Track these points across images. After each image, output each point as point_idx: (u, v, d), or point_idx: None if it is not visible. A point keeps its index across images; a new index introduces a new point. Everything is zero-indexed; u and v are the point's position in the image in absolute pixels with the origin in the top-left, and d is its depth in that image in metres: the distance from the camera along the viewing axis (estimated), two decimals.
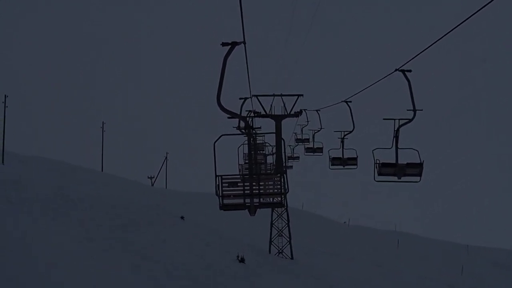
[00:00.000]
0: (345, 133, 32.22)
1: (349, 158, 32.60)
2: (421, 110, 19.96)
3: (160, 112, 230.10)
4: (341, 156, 32.47)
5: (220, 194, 15.41)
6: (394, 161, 20.70)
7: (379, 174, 21.01)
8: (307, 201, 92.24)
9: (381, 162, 20.86)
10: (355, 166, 32.83)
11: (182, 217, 36.95)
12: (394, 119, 20.50)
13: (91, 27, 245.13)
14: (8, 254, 14.44)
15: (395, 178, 21.05)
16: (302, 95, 36.73)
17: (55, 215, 24.26)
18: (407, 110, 19.89)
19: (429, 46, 13.58)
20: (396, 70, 18.27)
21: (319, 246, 53.41)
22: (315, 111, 40.36)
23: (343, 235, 68.95)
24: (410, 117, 19.79)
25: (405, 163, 20.74)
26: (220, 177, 15.33)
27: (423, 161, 20.64)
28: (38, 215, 23.19)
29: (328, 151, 32.75)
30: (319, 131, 43.64)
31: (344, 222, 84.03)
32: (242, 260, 28.84)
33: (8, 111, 48.60)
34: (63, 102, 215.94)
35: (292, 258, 38.44)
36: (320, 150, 45.61)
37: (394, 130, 20.53)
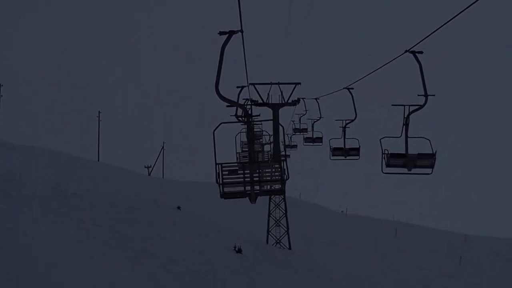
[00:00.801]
0: (347, 121, 31.20)
1: (351, 149, 31.43)
2: (433, 95, 18.44)
3: (157, 101, 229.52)
4: (343, 146, 31.37)
5: (221, 182, 15.35)
6: (403, 151, 19.29)
7: (388, 166, 19.70)
8: (304, 190, 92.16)
9: (389, 152, 19.49)
10: (357, 157, 31.68)
11: (178, 207, 36.55)
12: (404, 105, 19.14)
13: (86, 17, 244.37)
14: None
15: (405, 170, 19.69)
16: (299, 83, 36.29)
17: (48, 208, 23.81)
18: (418, 95, 18.64)
19: (443, 25, 12.92)
20: (406, 51, 17.08)
21: (317, 235, 53.11)
22: (314, 100, 39.34)
23: (341, 225, 68.67)
24: (421, 103, 18.33)
25: (416, 153, 19.28)
26: (220, 165, 15.29)
27: (435, 151, 19.25)
28: (29, 208, 22.74)
29: (329, 140, 31.73)
30: (318, 120, 42.60)
31: (342, 211, 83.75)
32: (239, 251, 28.43)
33: (4, 101, 48.31)
34: (59, 93, 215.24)
35: (290, 249, 38.10)
36: (319, 140, 44.60)
37: (404, 117, 19.05)
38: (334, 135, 32.05)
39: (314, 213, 71.15)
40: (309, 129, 45.71)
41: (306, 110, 43.78)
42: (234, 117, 33.38)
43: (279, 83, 36.51)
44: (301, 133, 47.45)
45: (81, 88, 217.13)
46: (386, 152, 19.61)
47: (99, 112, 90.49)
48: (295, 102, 36.86)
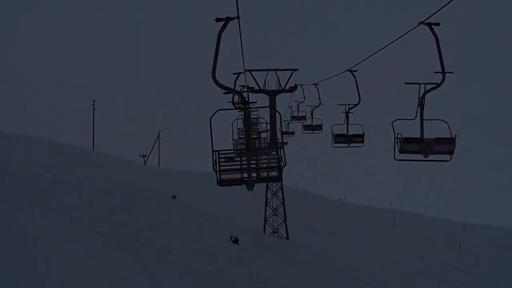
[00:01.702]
0: (350, 106, 29.46)
1: (355, 135, 29.68)
2: (452, 72, 16.63)
3: (152, 90, 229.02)
4: (346, 133, 29.67)
5: (217, 170, 15.22)
6: (418, 136, 17.61)
7: (401, 152, 18.07)
8: (301, 179, 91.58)
9: (403, 137, 17.84)
10: (361, 144, 30.13)
11: (174, 196, 35.85)
12: (419, 84, 17.32)
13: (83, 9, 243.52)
14: None
15: (420, 157, 18.00)
16: (296, 69, 35.31)
17: (40, 197, 23.20)
18: (435, 72, 16.73)
19: None
20: (420, 23, 15.16)
21: (314, 224, 52.52)
22: (313, 85, 37.59)
23: (339, 213, 68.16)
24: (438, 81, 16.65)
25: (433, 138, 17.63)
26: (217, 152, 15.17)
27: (455, 135, 17.68)
28: (21, 196, 22.14)
29: (331, 127, 30.27)
30: (317, 106, 41.09)
31: (339, 200, 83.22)
32: (236, 241, 27.73)
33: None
34: (54, 80, 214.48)
35: (287, 238, 37.47)
36: (319, 127, 43.43)
37: (419, 97, 17.33)
38: (334, 122, 30.69)
39: (312, 202, 70.63)
40: (308, 116, 44.39)
41: (304, 97, 42.58)
42: (231, 103, 32.77)
43: (275, 69, 35.58)
44: (300, 121, 46.24)
45: (76, 76, 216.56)
46: (400, 136, 17.93)
47: (93, 100, 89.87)
48: (292, 89, 35.91)
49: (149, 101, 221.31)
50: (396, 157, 18.39)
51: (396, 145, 18.17)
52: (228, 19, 13.49)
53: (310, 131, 44.11)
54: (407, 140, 17.81)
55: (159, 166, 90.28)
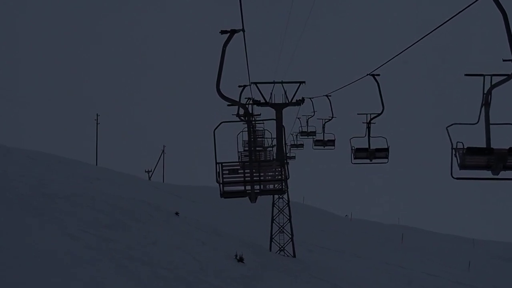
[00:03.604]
0: (372, 115, 26.03)
1: (378, 149, 26.01)
2: None
3: (157, 103, 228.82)
4: (368, 147, 26.03)
5: (221, 181, 15.54)
6: (484, 145, 13.47)
7: (462, 167, 14.35)
8: (308, 194, 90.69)
9: (465, 146, 13.75)
10: (385, 160, 26.33)
11: (176, 213, 34.83)
12: (484, 75, 13.55)
13: (86, 21, 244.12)
14: None
15: (489, 174, 14.21)
16: (304, 82, 33.98)
17: (37, 211, 22.27)
18: (503, 60, 13.11)
19: None
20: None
21: (322, 241, 51.54)
22: (325, 97, 35.29)
23: (346, 230, 67.30)
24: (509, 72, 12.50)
25: (507, 148, 13.43)
26: (220, 164, 15.46)
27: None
28: (18, 211, 21.24)
29: (350, 139, 26.66)
30: (330, 120, 38.20)
31: (346, 216, 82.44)
32: (240, 260, 26.64)
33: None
34: (56, 94, 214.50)
35: (294, 256, 36.34)
36: (331, 143, 40.55)
37: (483, 94, 13.39)
38: (348, 136, 28.27)
39: (318, 218, 69.88)
40: (319, 130, 41.53)
41: (314, 111, 40.66)
42: (236, 116, 31.84)
43: (282, 82, 34.33)
44: (309, 137, 44.07)
45: (78, 90, 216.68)
46: (461, 146, 14.01)
47: (97, 115, 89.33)
48: (299, 102, 34.41)
49: (154, 115, 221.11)
50: (453, 175, 14.36)
51: (454, 157, 14.25)
52: (233, 32, 13.54)
53: (322, 147, 41.33)
54: (471, 151, 13.77)
55: (163, 181, 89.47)
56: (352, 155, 26.56)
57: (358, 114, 27.24)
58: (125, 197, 34.02)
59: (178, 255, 22.92)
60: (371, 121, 26.30)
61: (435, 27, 12.50)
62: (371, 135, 26.33)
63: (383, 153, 26.19)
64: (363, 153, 26.28)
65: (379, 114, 25.61)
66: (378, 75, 23.52)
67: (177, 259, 22.05)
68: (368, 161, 26.50)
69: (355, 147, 26.44)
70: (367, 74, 23.26)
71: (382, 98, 24.19)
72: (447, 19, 11.80)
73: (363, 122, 26.47)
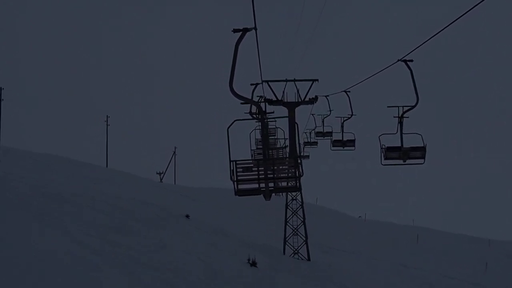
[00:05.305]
0: (405, 108, 22.80)
1: (412, 148, 22.68)
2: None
3: (168, 103, 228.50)
4: (400, 145, 22.64)
5: (235, 179, 15.58)
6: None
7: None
8: (321, 195, 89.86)
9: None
10: (422, 161, 22.85)
11: (187, 216, 34.01)
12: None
13: (94, 22, 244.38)
14: None
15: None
16: (317, 80, 32.88)
17: (41, 213, 21.60)
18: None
19: None
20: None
21: (336, 243, 50.69)
22: (344, 92, 33.22)
23: (360, 231, 66.38)
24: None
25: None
26: (234, 162, 15.50)
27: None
28: (22, 214, 20.57)
29: (379, 137, 23.16)
30: (349, 118, 35.75)
31: (359, 217, 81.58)
32: (253, 264, 25.74)
33: (5, 105, 46.73)
34: (65, 96, 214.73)
35: (309, 260, 35.30)
36: (351, 143, 37.73)
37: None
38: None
39: (332, 219, 69.07)
40: (337, 129, 38.59)
41: (330, 110, 38.42)
42: (248, 114, 31.01)
43: (294, 80, 33.35)
44: (325, 137, 41.14)
45: (88, 91, 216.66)
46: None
47: (107, 116, 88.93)
48: (312, 100, 33.30)
49: (165, 116, 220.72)
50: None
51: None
52: (245, 30, 13.70)
53: (341, 148, 38.42)
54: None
55: (175, 183, 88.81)
56: (382, 155, 23.39)
57: (388, 107, 23.98)
58: (136, 200, 33.28)
59: (189, 259, 22.19)
60: (404, 115, 23.11)
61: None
62: (403, 132, 23.26)
63: (419, 152, 22.99)
64: (395, 153, 23.10)
65: (413, 107, 22.46)
66: (411, 60, 20.53)
67: (188, 263, 21.32)
68: (401, 162, 23.32)
69: (386, 145, 23.29)
70: (398, 60, 20.29)
71: (416, 88, 21.41)
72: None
73: (394, 117, 23.19)
